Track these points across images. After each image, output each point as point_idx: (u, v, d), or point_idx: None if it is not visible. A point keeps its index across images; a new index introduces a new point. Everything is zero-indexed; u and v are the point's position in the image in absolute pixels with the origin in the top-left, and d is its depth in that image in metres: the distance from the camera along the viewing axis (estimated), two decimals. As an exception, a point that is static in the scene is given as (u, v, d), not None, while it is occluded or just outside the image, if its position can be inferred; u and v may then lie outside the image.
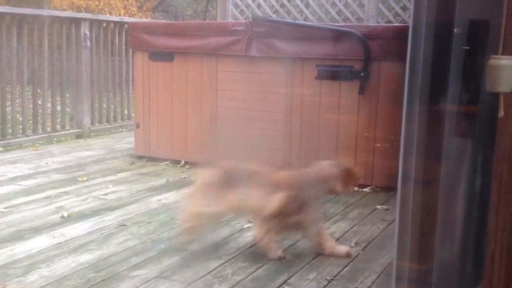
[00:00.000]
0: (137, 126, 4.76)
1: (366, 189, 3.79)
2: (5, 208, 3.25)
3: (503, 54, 1.21)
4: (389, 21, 5.94)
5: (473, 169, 1.30)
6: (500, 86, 1.22)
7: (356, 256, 2.67)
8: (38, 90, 5.45)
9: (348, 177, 2.64)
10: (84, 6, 15.32)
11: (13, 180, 3.94)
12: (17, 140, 5.17)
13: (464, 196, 1.31)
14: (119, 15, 14.45)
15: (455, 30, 1.23)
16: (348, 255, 2.64)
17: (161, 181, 4.00)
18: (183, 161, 4.51)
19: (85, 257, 2.54)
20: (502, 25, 1.20)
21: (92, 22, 5.83)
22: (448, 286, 1.33)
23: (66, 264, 2.45)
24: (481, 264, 1.33)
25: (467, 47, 1.24)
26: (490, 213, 1.30)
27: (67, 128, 5.80)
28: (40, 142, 5.57)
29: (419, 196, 1.25)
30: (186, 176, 4.15)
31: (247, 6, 6.56)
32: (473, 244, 1.33)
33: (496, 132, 1.29)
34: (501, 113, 1.22)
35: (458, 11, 1.22)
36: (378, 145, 3.65)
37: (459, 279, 1.33)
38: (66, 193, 3.62)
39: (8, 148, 5.15)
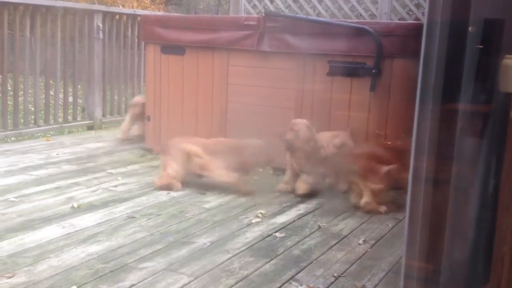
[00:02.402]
0: (148, 119, 4.77)
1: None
2: (16, 197, 3.28)
3: (517, 54, 1.20)
4: (403, 18, 5.90)
5: (485, 169, 1.29)
6: (513, 86, 1.20)
7: (364, 253, 2.66)
8: (51, 81, 5.48)
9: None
10: (97, -2, 15.35)
11: (24, 170, 3.97)
12: (29, 130, 5.21)
13: (475, 197, 1.30)
14: (132, 7, 14.46)
15: (470, 29, 1.22)
16: (234, 183, 3.55)
17: (170, 174, 4.00)
18: (192, 155, 4.51)
19: (94, 248, 2.56)
20: (517, 25, 1.18)
21: (105, 14, 5.84)
22: (456, 286, 1.33)
23: (75, 255, 2.47)
24: (489, 265, 1.32)
25: (481, 46, 1.23)
26: (500, 214, 1.29)
27: (78, 119, 5.83)
28: (51, 132, 5.61)
29: (430, 196, 1.24)
30: (195, 169, 4.16)
31: (260, 0, 6.54)
32: (483, 245, 1.32)
33: (507, 132, 1.27)
34: (514, 114, 1.21)
35: (473, 10, 1.21)
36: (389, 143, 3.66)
37: (468, 280, 1.33)
38: (76, 184, 3.64)
39: (20, 138, 5.19)
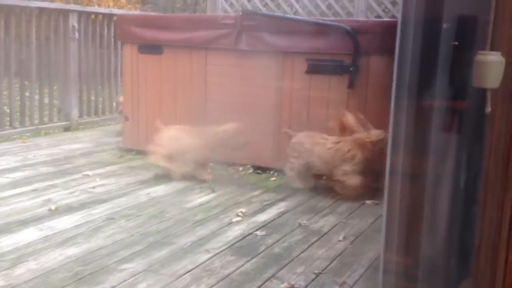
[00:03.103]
0: (126, 119, 4.73)
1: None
2: (-8, 201, 3.23)
3: (490, 50, 1.22)
4: (379, 16, 5.95)
5: (460, 164, 1.31)
6: (487, 81, 1.22)
7: (344, 250, 2.68)
8: (26, 82, 5.40)
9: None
10: (72, -3, 15.15)
11: (0, 172, 3.91)
12: (4, 132, 5.13)
13: (451, 191, 1.32)
14: (108, 7, 14.29)
15: (444, 25, 1.24)
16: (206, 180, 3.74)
17: (150, 174, 3.98)
18: (172, 155, 4.49)
19: (73, 251, 2.53)
20: (490, 21, 1.20)
21: (80, 13, 5.78)
22: (434, 280, 1.34)
23: (53, 257, 2.44)
24: (467, 258, 1.34)
25: (455, 43, 1.25)
26: (477, 208, 1.31)
27: (55, 120, 5.75)
28: (27, 134, 5.53)
29: (407, 190, 1.26)
30: (175, 169, 4.14)
31: (237, -1, 6.53)
32: (460, 238, 1.34)
33: (483, 127, 1.29)
34: (488, 109, 1.23)
35: (447, 7, 1.23)
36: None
37: (446, 274, 1.35)
38: (53, 186, 3.60)
39: (-5, 140, 5.10)
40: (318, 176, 3.78)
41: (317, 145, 3.58)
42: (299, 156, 3.63)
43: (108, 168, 4.14)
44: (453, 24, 1.24)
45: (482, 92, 1.23)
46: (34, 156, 4.50)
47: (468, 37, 1.27)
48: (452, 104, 1.27)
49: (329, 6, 6.17)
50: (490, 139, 1.29)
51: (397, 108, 1.24)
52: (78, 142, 5.15)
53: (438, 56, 1.22)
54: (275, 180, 3.97)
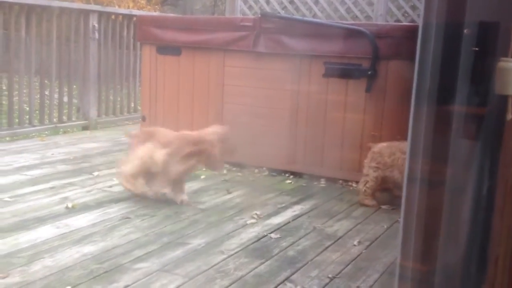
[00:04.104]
0: (143, 119, 4.76)
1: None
2: (10, 197, 3.27)
3: (512, 56, 1.20)
4: (398, 20, 5.92)
5: (480, 171, 1.30)
6: (509, 88, 1.21)
7: (359, 254, 2.67)
8: (46, 81, 5.46)
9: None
10: (93, -2, 15.32)
11: (18, 170, 3.96)
12: (23, 130, 5.19)
13: (470, 199, 1.31)
14: (128, 7, 14.43)
15: (465, 31, 1.22)
16: (182, 202, 3.28)
17: (165, 174, 3.99)
18: (188, 155, 4.51)
19: (89, 249, 2.55)
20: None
21: (100, 14, 5.84)
22: (451, 287, 1.33)
23: (69, 255, 2.46)
24: (484, 267, 1.32)
25: (476, 49, 1.23)
26: (495, 216, 1.30)
27: (73, 119, 5.81)
28: (46, 132, 5.60)
29: (425, 197, 1.24)
30: (190, 170, 4.16)
31: (256, 1, 6.54)
32: (477, 247, 1.33)
33: (503, 134, 1.28)
34: (509, 116, 1.22)
35: (469, 12, 1.22)
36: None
37: (462, 282, 1.33)
38: (71, 184, 3.63)
39: (14, 138, 5.17)
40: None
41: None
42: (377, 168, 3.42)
43: (125, 168, 4.16)
44: (475, 29, 1.22)
45: (503, 99, 1.22)
46: (53, 154, 4.54)
47: (489, 43, 1.25)
48: (472, 111, 1.26)
49: (348, 10, 6.15)
50: (510, 146, 1.28)
51: (416, 114, 1.23)
52: (96, 141, 5.20)
53: (459, 62, 1.21)
54: (290, 182, 3.96)
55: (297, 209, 3.34)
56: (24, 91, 5.27)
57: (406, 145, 3.58)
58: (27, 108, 5.31)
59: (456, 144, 1.23)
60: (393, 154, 3.37)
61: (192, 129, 4.47)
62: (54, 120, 5.58)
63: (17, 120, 5.17)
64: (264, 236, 2.85)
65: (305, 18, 5.24)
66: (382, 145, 3.46)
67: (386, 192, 3.54)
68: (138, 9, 15.15)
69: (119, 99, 6.26)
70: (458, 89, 1.22)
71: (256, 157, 4.19)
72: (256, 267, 2.45)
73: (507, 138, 1.28)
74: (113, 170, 4.05)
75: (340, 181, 3.86)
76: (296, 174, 4.09)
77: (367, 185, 3.43)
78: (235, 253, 2.60)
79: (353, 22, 5.51)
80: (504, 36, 1.21)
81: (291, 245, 2.74)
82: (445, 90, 1.23)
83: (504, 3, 1.23)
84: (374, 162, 3.41)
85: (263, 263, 2.50)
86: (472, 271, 1.37)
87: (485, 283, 1.35)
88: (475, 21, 1.22)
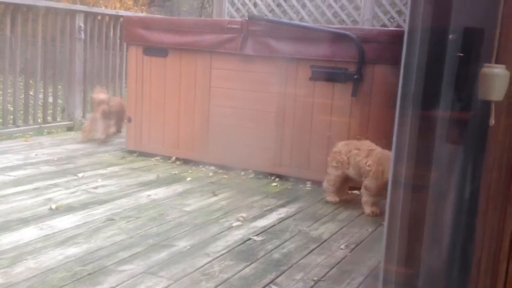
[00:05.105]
0: (129, 120, 4.74)
1: (356, 192, 3.80)
2: (-7, 198, 3.23)
3: (496, 63, 1.22)
4: (384, 25, 5.96)
5: (463, 175, 1.31)
6: (492, 94, 1.23)
7: (344, 257, 2.68)
8: (30, 81, 5.41)
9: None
10: (79, -2, 15.21)
11: (2, 170, 3.91)
12: (7, 130, 5.14)
13: (453, 202, 1.32)
14: (115, 8, 14.37)
15: (450, 36, 1.24)
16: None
17: (151, 176, 3.99)
18: (174, 157, 4.50)
19: (72, 250, 2.53)
20: (496, 34, 1.21)
21: (87, 14, 5.80)
22: (434, 290, 1.34)
23: (53, 257, 2.44)
24: (468, 270, 1.34)
25: (461, 54, 1.25)
26: (478, 220, 1.31)
27: (58, 120, 5.76)
28: (30, 133, 5.54)
29: (409, 201, 1.26)
30: (176, 172, 4.15)
31: (243, 4, 6.55)
32: (461, 250, 1.34)
33: (486, 139, 1.30)
34: (492, 121, 1.24)
35: (454, 19, 1.23)
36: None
37: (446, 285, 1.34)
38: (55, 185, 3.60)
39: (-2, 138, 5.11)
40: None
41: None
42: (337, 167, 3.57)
43: (110, 169, 4.15)
44: (460, 35, 1.24)
45: (486, 104, 1.23)
46: (36, 155, 4.50)
47: (473, 49, 1.27)
48: (456, 116, 1.27)
49: (335, 14, 6.18)
50: (493, 151, 1.29)
51: (401, 118, 1.24)
52: (80, 142, 5.16)
53: (443, 67, 1.22)
54: (276, 185, 3.97)
55: (282, 212, 3.34)
56: (9, 91, 5.22)
57: (363, 143, 3.65)
58: (11, 108, 5.25)
59: (440, 148, 1.25)
60: (349, 152, 3.52)
61: (179, 130, 4.47)
62: (39, 120, 5.53)
63: (1, 120, 5.11)
64: (250, 238, 2.85)
65: (292, 22, 5.25)
66: (342, 143, 3.62)
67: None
68: (125, 9, 15.09)
69: (104, 100, 6.21)
70: (442, 94, 1.24)
71: (242, 160, 4.19)
72: (241, 270, 2.44)
73: (490, 143, 1.29)
74: (98, 172, 4.03)
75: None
76: (282, 177, 4.10)
77: (330, 183, 3.60)
78: (221, 255, 2.60)
79: (340, 26, 5.54)
80: (487, 42, 1.22)
81: (276, 248, 2.75)
82: (429, 95, 1.24)
83: (488, 10, 1.24)
84: (334, 161, 3.58)
85: (248, 265, 2.50)
86: (455, 274, 1.38)
87: (469, 285, 1.37)
88: (460, 27, 1.24)
